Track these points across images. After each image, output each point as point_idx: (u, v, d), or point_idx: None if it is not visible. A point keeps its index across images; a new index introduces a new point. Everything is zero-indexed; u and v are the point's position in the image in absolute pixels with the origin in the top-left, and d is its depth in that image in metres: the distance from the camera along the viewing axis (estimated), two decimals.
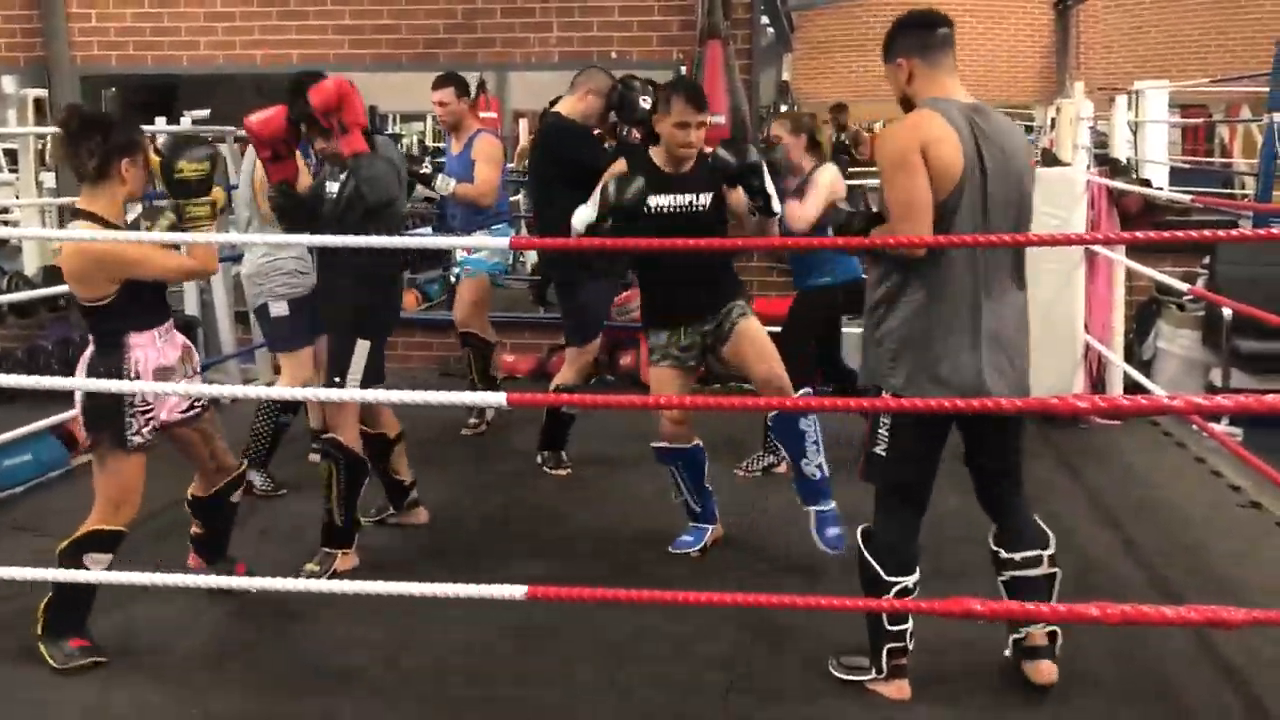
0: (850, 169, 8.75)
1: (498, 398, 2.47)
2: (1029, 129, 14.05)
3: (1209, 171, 11.16)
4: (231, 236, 4.92)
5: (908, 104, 2.92)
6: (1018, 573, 2.97)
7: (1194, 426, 5.51)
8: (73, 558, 3.15)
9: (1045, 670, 2.97)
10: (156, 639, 3.36)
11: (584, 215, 3.56)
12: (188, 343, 3.38)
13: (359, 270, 3.73)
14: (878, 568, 2.89)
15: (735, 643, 3.29)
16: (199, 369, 3.51)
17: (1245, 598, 3.51)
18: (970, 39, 14.08)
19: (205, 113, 7.51)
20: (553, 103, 4.85)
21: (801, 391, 3.92)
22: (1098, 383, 5.91)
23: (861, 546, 2.95)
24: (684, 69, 6.55)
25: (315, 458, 4.30)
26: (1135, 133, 10.22)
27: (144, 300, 3.21)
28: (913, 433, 2.85)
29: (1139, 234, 2.79)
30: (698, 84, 4.22)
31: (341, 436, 3.77)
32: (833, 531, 3.84)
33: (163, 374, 3.23)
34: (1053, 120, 13.33)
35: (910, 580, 2.90)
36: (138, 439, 3.17)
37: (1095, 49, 14.47)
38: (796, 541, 4.00)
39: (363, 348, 3.73)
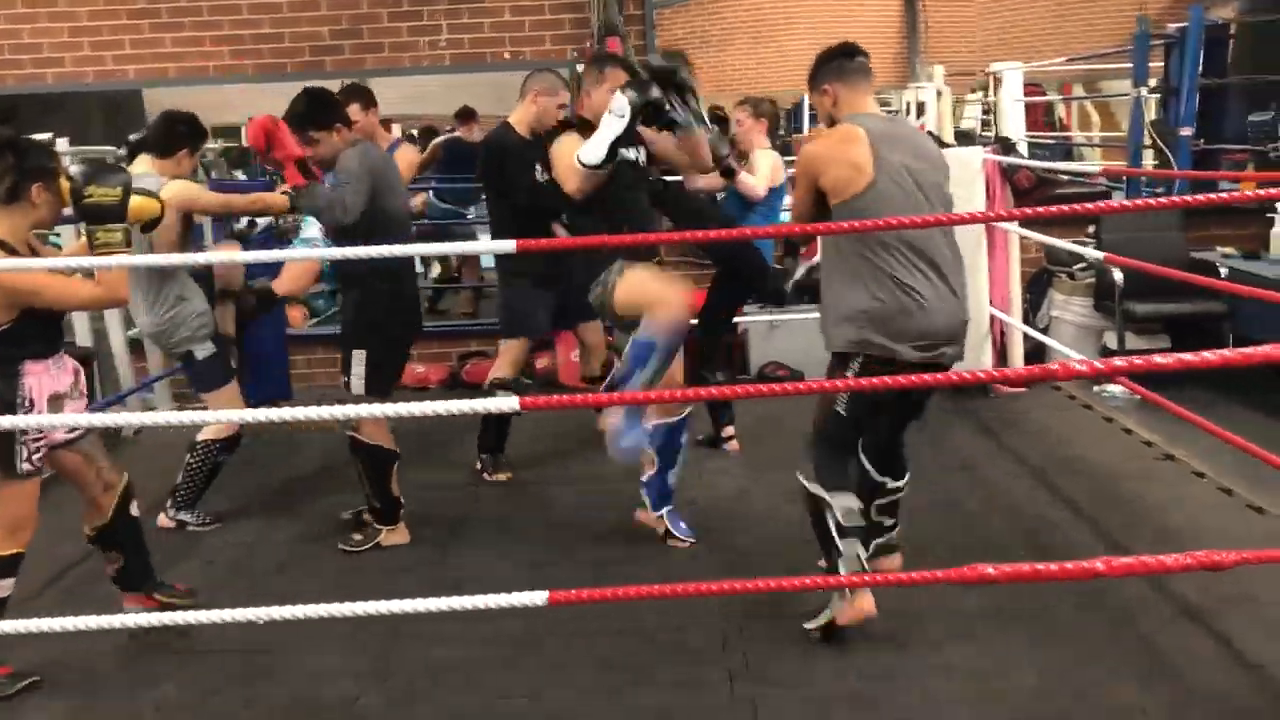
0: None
1: (510, 403, 2.43)
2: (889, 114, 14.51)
3: (1055, 145, 11.81)
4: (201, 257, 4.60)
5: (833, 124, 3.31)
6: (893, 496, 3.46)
7: (1094, 389, 5.83)
8: None
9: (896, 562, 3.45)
10: (120, 691, 3.19)
11: (595, 150, 3.53)
12: (76, 365, 3.31)
13: (360, 283, 3.98)
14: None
15: (724, 631, 3.32)
16: (85, 392, 3.38)
17: (1187, 544, 3.71)
18: (823, 27, 14.41)
19: (47, 136, 7.12)
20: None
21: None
22: (1001, 353, 6.15)
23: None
24: (581, 67, 6.54)
25: None
26: (993, 112, 10.69)
27: (43, 328, 3.15)
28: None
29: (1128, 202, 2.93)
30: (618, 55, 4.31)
31: (360, 434, 4.04)
32: (684, 524, 4.07)
33: (55, 400, 3.15)
34: (909, 105, 13.83)
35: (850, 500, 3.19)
36: (27, 466, 3.10)
37: (943, 33, 14.96)
38: (755, 525, 4.10)
39: (359, 356, 3.97)
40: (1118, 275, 5.87)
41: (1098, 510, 4.22)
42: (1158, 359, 2.37)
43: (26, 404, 3.08)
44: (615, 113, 3.50)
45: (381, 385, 4.03)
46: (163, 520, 4.40)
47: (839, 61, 3.30)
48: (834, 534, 3.12)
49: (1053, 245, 6.20)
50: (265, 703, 3.06)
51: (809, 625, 3.23)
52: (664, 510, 4.02)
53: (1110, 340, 6.20)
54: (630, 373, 3.65)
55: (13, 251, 3.04)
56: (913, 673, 3.05)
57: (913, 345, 3.10)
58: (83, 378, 3.33)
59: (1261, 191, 5.96)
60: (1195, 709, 2.80)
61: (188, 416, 2.62)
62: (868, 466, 3.40)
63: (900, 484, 3.47)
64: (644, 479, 4.02)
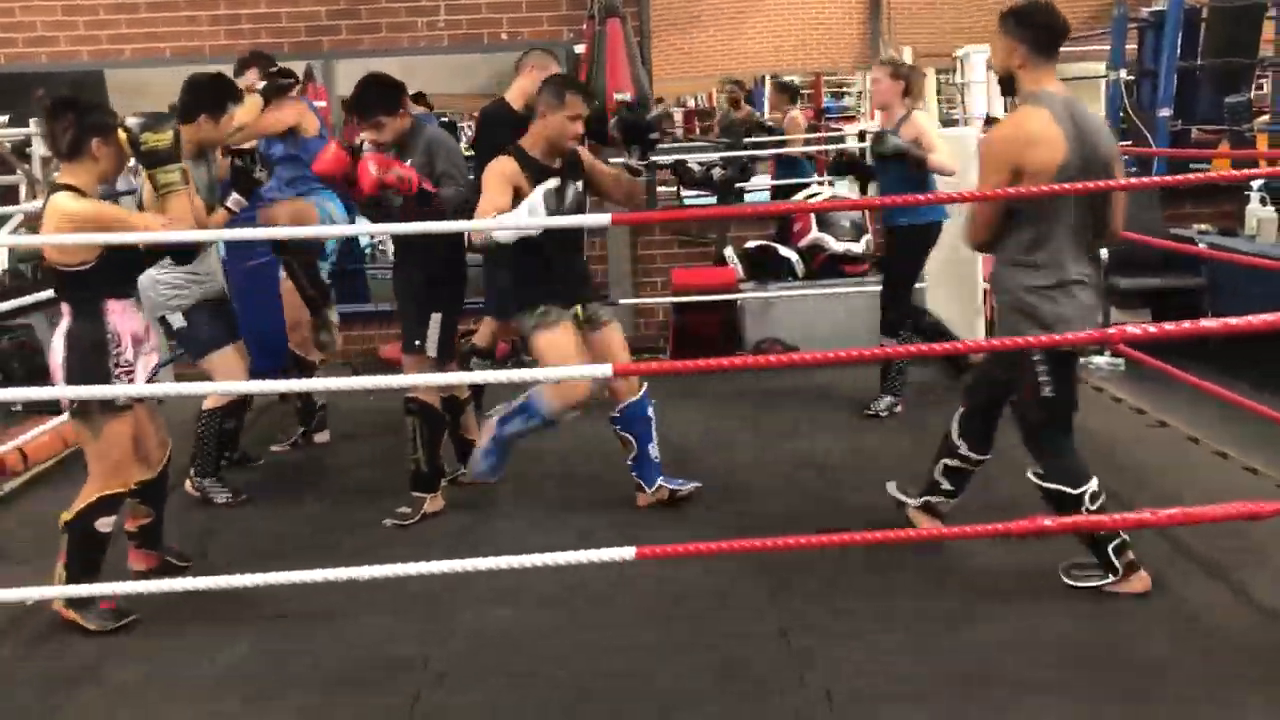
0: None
1: (604, 369, 2.56)
2: (841, 94, 14.77)
3: None
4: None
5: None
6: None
7: (1080, 360, 6.05)
8: (82, 526, 3.32)
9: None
10: (189, 656, 3.28)
11: (512, 229, 3.69)
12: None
13: (424, 253, 4.12)
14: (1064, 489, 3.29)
15: (770, 589, 3.47)
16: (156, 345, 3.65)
17: (1196, 503, 3.92)
18: (786, 9, 14.56)
19: (4, 118, 7.05)
20: None
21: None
22: (990, 324, 6.36)
23: (1041, 483, 3.35)
24: (578, 47, 6.64)
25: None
26: (962, 94, 10.95)
27: (122, 268, 3.38)
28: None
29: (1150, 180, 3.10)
30: (577, 79, 4.47)
31: (421, 395, 4.15)
32: (680, 479, 4.26)
33: (137, 342, 3.37)
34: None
35: (1094, 483, 3.30)
36: (124, 398, 3.29)
37: (907, 14, 15.19)
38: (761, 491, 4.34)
39: (435, 319, 4.14)
40: (1103, 251, 6.08)
41: (1101, 473, 4.36)
42: (1204, 324, 2.57)
43: (115, 341, 3.31)
44: (533, 211, 3.71)
45: (449, 349, 4.25)
46: (188, 486, 4.51)
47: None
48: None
49: None
50: (338, 665, 3.16)
51: (1074, 580, 3.34)
52: (658, 481, 4.19)
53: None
54: (517, 416, 3.99)
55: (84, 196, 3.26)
56: (958, 621, 3.22)
57: None
58: (153, 330, 3.55)
59: (1238, 171, 6.24)
60: (1225, 660, 2.98)
61: (195, 387, 2.72)
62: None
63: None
64: (628, 461, 4.18)
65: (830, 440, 5.02)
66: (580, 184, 3.99)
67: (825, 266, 6.59)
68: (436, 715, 2.90)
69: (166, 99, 4.24)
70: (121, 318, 3.35)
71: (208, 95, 4.19)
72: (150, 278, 4.21)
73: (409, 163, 4.01)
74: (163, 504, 3.75)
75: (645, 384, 4.19)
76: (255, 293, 5.42)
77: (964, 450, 3.62)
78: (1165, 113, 6.56)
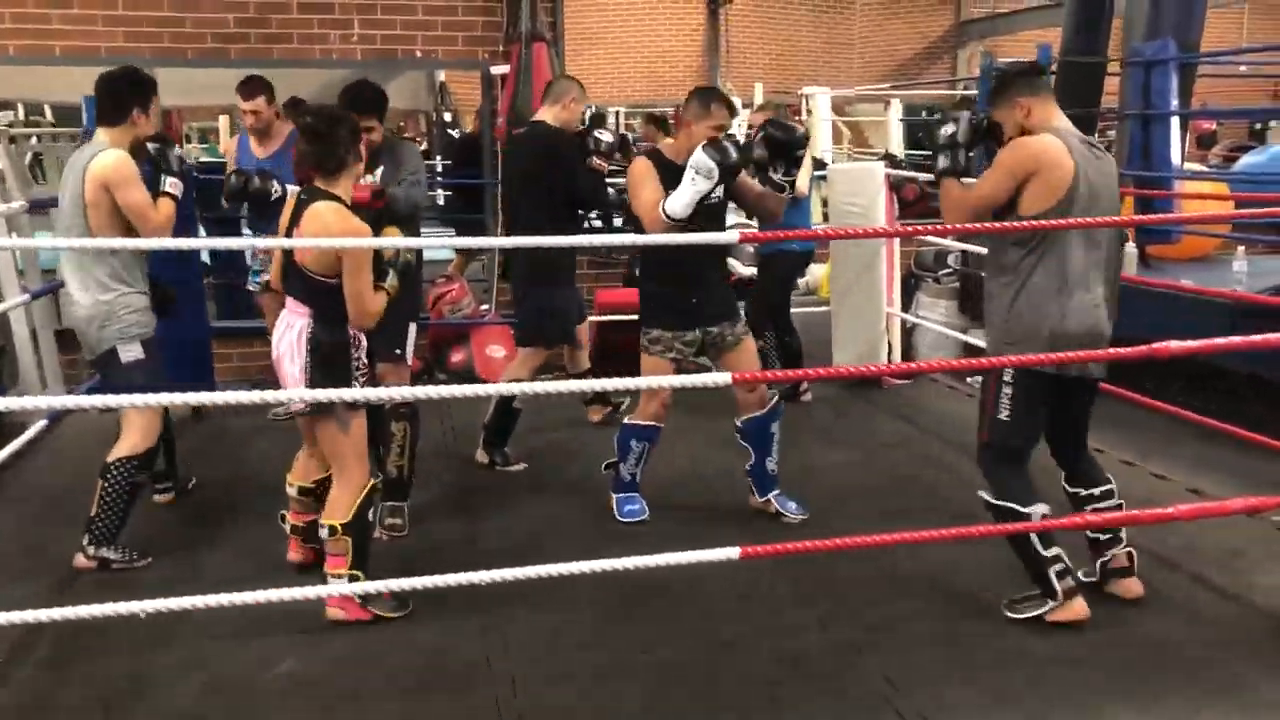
0: None
1: (722, 378, 2.73)
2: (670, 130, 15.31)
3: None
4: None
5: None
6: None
7: (968, 379, 6.58)
8: (359, 523, 3.44)
9: (1134, 586, 3.55)
10: (245, 669, 3.22)
11: (683, 206, 3.87)
12: None
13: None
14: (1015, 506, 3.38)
15: (792, 585, 3.69)
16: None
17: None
18: (629, 40, 15.03)
19: None
20: None
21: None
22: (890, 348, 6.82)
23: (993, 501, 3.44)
24: (496, 69, 6.73)
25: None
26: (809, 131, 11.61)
27: None
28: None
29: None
30: (725, 93, 4.49)
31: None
32: (793, 504, 4.39)
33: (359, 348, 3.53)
34: None
35: (1045, 506, 3.39)
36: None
37: (744, 52, 15.91)
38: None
39: (412, 327, 4.25)
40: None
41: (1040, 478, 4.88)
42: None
43: (355, 343, 3.47)
44: (701, 174, 3.82)
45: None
46: (80, 561, 3.86)
47: (1029, 78, 3.46)
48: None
49: (921, 253, 6.98)
50: (402, 671, 3.18)
51: (1014, 616, 3.41)
52: (770, 494, 4.37)
53: (974, 338, 6.99)
54: (623, 457, 4.33)
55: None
56: (988, 613, 3.53)
57: None
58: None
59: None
60: (1205, 633, 3.41)
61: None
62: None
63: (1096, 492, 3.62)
64: (747, 467, 4.35)
65: None
66: (721, 189, 4.01)
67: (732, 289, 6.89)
68: (531, 714, 2.98)
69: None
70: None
71: (138, 90, 4.00)
72: (114, 299, 3.89)
73: (379, 171, 4.10)
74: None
75: (777, 399, 4.34)
76: (182, 303, 5.23)
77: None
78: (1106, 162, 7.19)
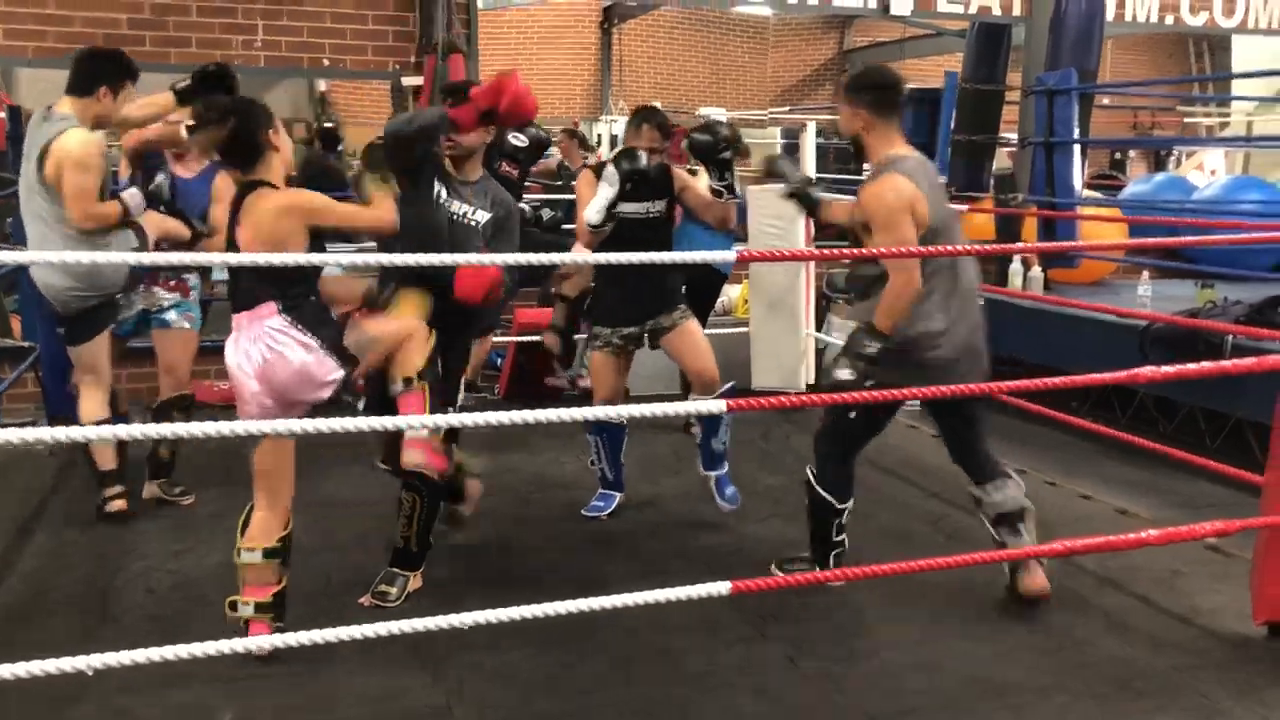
0: None
1: (718, 405, 2.61)
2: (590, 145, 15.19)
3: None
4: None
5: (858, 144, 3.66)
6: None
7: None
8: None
9: (1041, 579, 3.67)
10: None
11: (595, 207, 4.01)
12: None
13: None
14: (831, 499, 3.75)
15: (753, 617, 3.58)
16: None
17: (1054, 522, 4.43)
18: (525, 57, 14.86)
19: None
20: None
21: None
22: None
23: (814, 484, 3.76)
24: (408, 80, 6.51)
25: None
26: None
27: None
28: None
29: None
30: (655, 111, 4.48)
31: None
32: (730, 490, 4.57)
33: None
34: (599, 136, 14.58)
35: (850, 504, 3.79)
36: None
37: (636, 70, 15.91)
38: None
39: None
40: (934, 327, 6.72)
41: (962, 501, 4.85)
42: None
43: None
44: (609, 181, 4.00)
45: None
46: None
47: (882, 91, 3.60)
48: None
49: (832, 274, 7.02)
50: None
51: (780, 572, 3.79)
52: (713, 472, 4.54)
53: None
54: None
55: None
56: (956, 646, 3.49)
57: None
58: None
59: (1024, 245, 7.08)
60: (1168, 657, 3.43)
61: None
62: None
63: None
64: (698, 443, 4.58)
65: None
66: (661, 203, 4.28)
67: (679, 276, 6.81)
68: None
69: None
70: None
71: (112, 70, 4.04)
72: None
73: (487, 215, 3.84)
74: None
75: (730, 385, 4.48)
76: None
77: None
78: (941, 180, 7.31)
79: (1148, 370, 2.93)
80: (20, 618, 3.57)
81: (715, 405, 2.80)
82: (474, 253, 3.57)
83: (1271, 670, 3.30)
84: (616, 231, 4.10)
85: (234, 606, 3.25)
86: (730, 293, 7.25)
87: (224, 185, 4.52)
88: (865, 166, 4.00)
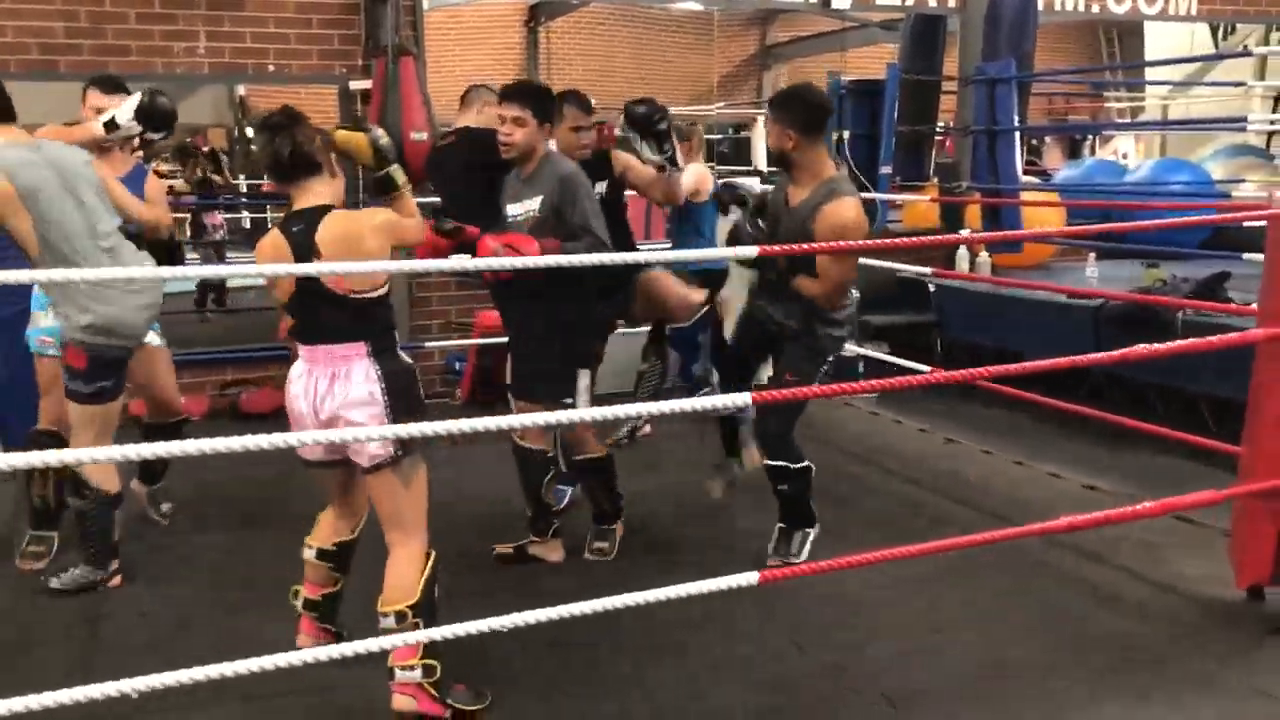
0: None
1: (744, 398, 2.63)
2: None
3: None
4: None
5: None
6: None
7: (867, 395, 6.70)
8: (429, 600, 2.90)
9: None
10: None
11: None
12: None
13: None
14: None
15: (752, 610, 3.62)
16: None
17: (1033, 505, 4.55)
18: (448, 59, 14.72)
19: None
20: None
21: None
22: None
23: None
24: (355, 84, 6.42)
25: None
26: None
27: None
28: None
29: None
30: (574, 92, 4.42)
31: (590, 451, 4.15)
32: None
33: None
34: None
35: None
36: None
37: (567, 62, 15.86)
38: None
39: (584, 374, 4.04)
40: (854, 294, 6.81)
41: (939, 485, 5.00)
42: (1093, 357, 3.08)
43: (414, 372, 3.02)
44: None
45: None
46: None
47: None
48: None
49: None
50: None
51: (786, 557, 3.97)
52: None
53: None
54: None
55: None
56: (953, 630, 3.56)
57: None
58: None
59: (969, 234, 7.21)
60: (1160, 628, 3.55)
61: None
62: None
63: None
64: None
65: None
66: (603, 184, 4.18)
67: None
68: None
69: None
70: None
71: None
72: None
73: (540, 200, 3.87)
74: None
75: (706, 309, 4.56)
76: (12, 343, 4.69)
77: None
78: (886, 170, 7.45)
79: (1141, 348, 3.02)
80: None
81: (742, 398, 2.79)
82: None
83: (1255, 633, 3.44)
84: None
85: (295, 594, 3.24)
86: None
87: (156, 187, 4.44)
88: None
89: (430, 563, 2.94)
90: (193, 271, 7.06)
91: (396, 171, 2.98)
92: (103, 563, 3.89)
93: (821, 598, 3.70)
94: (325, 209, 2.89)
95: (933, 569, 3.80)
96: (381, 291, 2.90)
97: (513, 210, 3.96)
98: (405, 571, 2.89)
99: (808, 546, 4.04)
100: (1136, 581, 3.87)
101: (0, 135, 3.76)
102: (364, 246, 2.82)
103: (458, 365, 6.67)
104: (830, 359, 3.97)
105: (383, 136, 2.99)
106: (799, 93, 3.89)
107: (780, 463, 3.98)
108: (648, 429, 5.90)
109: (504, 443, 4.17)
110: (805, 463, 4.01)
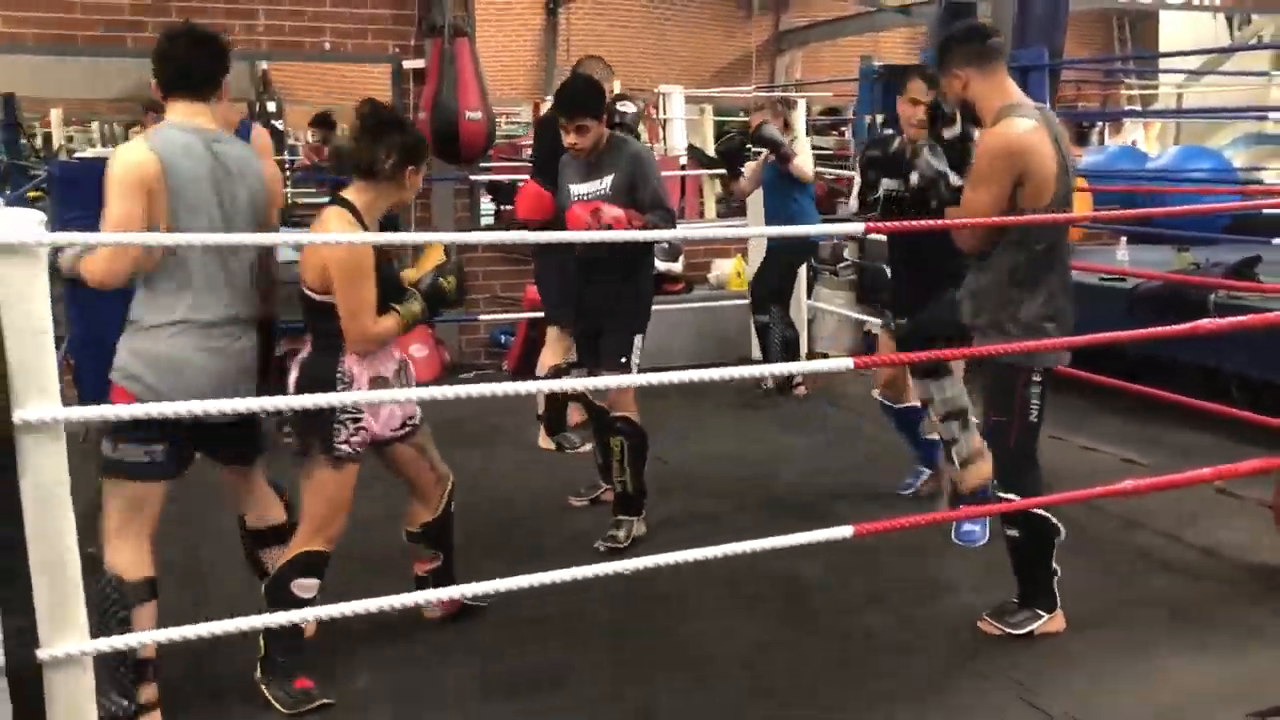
0: None
1: (845, 363, 2.82)
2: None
3: None
4: None
5: (967, 107, 3.36)
6: None
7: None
8: (281, 589, 2.89)
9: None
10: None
11: None
12: (404, 356, 3.13)
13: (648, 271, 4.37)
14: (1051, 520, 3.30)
15: (824, 573, 3.82)
16: (413, 381, 3.19)
17: (1061, 476, 4.73)
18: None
19: None
20: None
21: None
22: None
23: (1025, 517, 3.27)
24: (408, 63, 6.59)
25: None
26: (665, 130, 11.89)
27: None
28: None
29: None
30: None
31: (630, 414, 4.07)
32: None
33: (378, 384, 2.98)
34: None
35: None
36: (345, 449, 2.93)
37: (586, 48, 15.95)
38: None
39: (638, 340, 4.16)
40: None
41: None
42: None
43: (346, 380, 2.92)
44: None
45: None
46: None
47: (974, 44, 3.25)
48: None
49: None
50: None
51: (1003, 628, 3.35)
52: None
53: (872, 328, 7.33)
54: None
55: (362, 227, 2.94)
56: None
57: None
58: (411, 368, 3.14)
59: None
60: (1209, 588, 3.76)
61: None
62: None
63: None
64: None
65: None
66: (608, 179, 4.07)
67: None
68: None
69: None
70: (363, 359, 2.95)
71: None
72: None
73: (611, 179, 4.02)
74: (451, 547, 3.37)
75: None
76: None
77: None
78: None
79: (1206, 322, 3.21)
80: None
81: (842, 363, 2.96)
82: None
83: None
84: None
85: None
86: (723, 266, 7.45)
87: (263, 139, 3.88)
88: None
89: (293, 558, 2.93)
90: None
91: (418, 314, 3.02)
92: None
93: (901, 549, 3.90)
94: (340, 201, 2.98)
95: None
96: (331, 299, 2.91)
97: (580, 189, 4.09)
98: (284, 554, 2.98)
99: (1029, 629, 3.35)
100: (1181, 545, 4.09)
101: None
102: (321, 253, 2.89)
103: (503, 339, 6.85)
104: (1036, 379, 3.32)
105: (448, 283, 3.07)
106: (953, 32, 3.42)
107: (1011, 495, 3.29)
108: (802, 389, 6.40)
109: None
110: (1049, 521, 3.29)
